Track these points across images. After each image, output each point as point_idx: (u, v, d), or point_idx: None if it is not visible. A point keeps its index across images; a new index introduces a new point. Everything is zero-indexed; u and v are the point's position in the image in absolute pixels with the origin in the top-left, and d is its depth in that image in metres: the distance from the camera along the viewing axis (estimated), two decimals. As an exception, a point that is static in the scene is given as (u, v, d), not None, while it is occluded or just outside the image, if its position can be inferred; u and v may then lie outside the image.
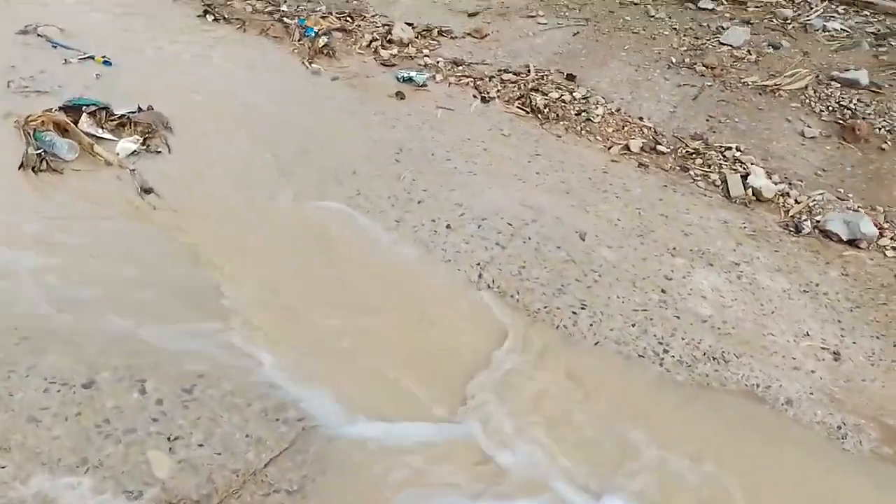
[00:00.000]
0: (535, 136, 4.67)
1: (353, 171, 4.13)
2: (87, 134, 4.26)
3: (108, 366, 2.72)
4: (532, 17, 6.54)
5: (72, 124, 4.24)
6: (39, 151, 4.00)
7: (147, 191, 3.85)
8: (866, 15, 6.37)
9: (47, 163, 3.97)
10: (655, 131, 4.73)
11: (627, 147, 4.52)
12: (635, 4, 6.77)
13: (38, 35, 5.45)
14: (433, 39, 6.07)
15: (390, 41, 5.88)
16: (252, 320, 3.05)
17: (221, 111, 4.67)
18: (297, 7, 6.42)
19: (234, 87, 4.99)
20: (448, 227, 3.72)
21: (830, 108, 4.99)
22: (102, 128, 4.37)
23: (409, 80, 5.27)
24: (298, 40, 5.80)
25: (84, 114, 4.37)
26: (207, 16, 6.12)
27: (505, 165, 4.30)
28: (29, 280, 3.11)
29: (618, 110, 4.97)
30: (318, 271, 3.39)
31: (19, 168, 3.88)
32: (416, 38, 5.99)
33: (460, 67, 5.57)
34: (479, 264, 3.46)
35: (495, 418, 2.68)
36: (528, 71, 5.50)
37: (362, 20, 6.28)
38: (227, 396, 2.67)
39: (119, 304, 3.05)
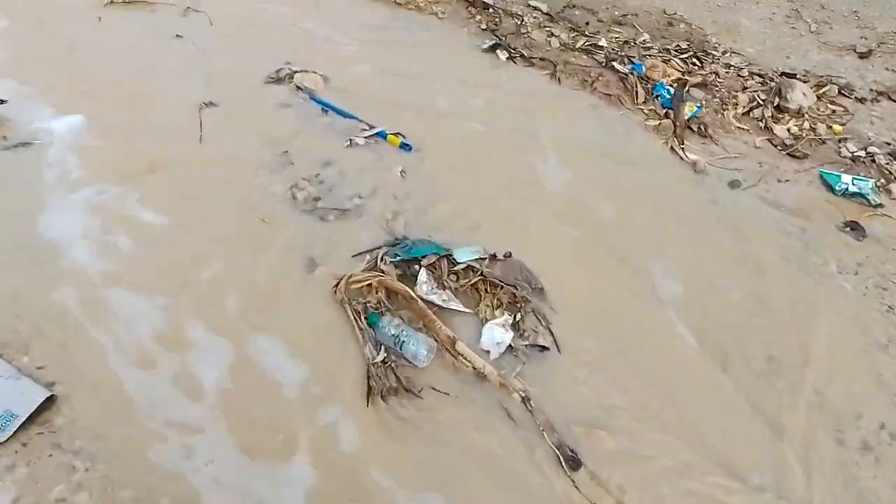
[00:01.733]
0: None
1: (880, 425, 2.46)
2: (428, 304, 2.78)
3: None
4: (959, 59, 4.48)
5: (415, 295, 2.77)
6: (384, 356, 2.55)
7: (573, 463, 2.33)
8: None
9: (398, 378, 2.51)
10: None
11: None
12: None
13: (298, 88, 3.97)
14: (832, 103, 4.16)
15: (779, 108, 4.03)
16: None
17: (603, 253, 3.06)
18: (616, 40, 4.62)
19: (599, 200, 3.35)
20: None
21: None
22: (444, 288, 2.87)
23: (855, 194, 3.45)
24: (644, 103, 4.05)
25: (423, 268, 2.89)
26: (498, 52, 4.45)
27: None
28: None
29: None
30: None
31: (367, 402, 2.44)
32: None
33: (911, 165, 3.69)
34: None
35: None
36: None
37: (712, 62, 4.43)
38: None
39: None
